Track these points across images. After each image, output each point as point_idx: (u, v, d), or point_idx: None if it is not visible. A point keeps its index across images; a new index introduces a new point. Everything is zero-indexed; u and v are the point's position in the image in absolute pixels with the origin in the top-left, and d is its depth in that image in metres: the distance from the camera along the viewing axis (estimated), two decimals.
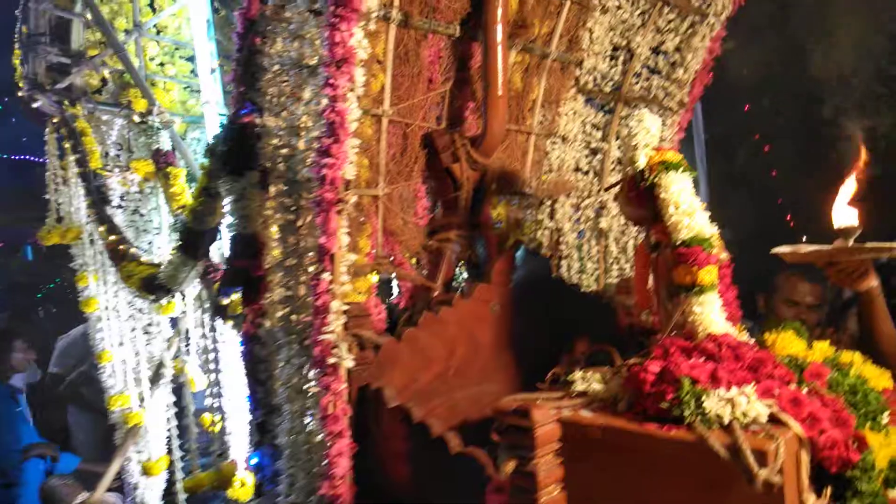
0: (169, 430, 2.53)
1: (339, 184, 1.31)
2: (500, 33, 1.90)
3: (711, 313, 1.45)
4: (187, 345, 2.70)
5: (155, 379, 2.46)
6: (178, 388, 2.80)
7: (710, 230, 1.46)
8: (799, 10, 6.90)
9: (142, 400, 2.45)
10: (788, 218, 7.88)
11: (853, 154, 1.75)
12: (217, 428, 2.42)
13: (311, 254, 1.43)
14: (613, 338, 1.74)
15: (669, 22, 2.25)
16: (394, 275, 2.05)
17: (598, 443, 1.36)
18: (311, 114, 1.43)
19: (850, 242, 1.63)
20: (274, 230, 1.54)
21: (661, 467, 1.31)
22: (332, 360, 1.31)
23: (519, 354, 1.87)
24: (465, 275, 2.16)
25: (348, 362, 1.34)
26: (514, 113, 2.29)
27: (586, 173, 2.48)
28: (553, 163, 2.47)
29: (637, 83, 2.35)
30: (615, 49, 2.38)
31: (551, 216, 2.46)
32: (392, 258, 2.02)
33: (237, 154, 1.57)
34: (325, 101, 1.29)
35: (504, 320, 1.85)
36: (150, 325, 2.45)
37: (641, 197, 1.56)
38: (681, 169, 1.50)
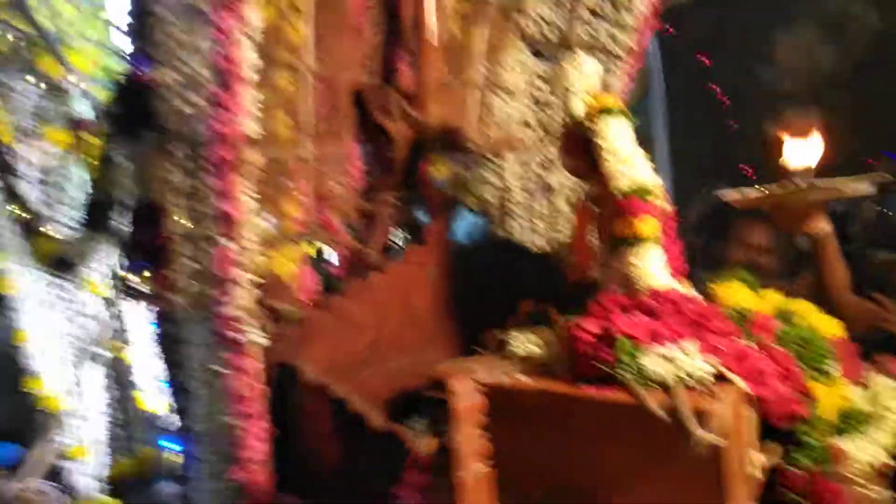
0: (103, 413, 2.41)
1: (238, 141, 1.18)
2: None
3: (653, 267, 1.36)
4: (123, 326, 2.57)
5: (80, 361, 2.32)
6: (120, 371, 2.67)
7: (651, 180, 1.36)
8: None
9: (71, 383, 2.32)
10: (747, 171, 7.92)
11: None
12: (155, 409, 2.31)
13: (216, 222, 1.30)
14: (562, 297, 1.64)
15: None
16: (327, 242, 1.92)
17: (533, 409, 1.28)
18: (208, 65, 1.28)
19: (801, 183, 1.55)
20: (178, 197, 1.40)
21: (600, 433, 1.23)
22: (238, 337, 1.20)
23: (460, 319, 1.77)
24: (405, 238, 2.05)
25: (258, 338, 1.22)
26: (453, 65, 2.15)
27: (534, 128, 2.35)
28: (498, 117, 2.34)
29: (583, 30, 2.22)
30: None
31: (498, 174, 2.34)
32: (324, 224, 1.89)
33: (133, 114, 1.42)
34: (215, 48, 1.15)
35: (443, 284, 1.74)
36: (72, 303, 2.30)
37: (579, 146, 1.45)
38: (619, 115, 1.39)
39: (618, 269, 1.41)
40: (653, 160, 1.41)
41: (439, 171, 2.20)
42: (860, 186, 1.53)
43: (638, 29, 2.15)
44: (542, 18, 2.26)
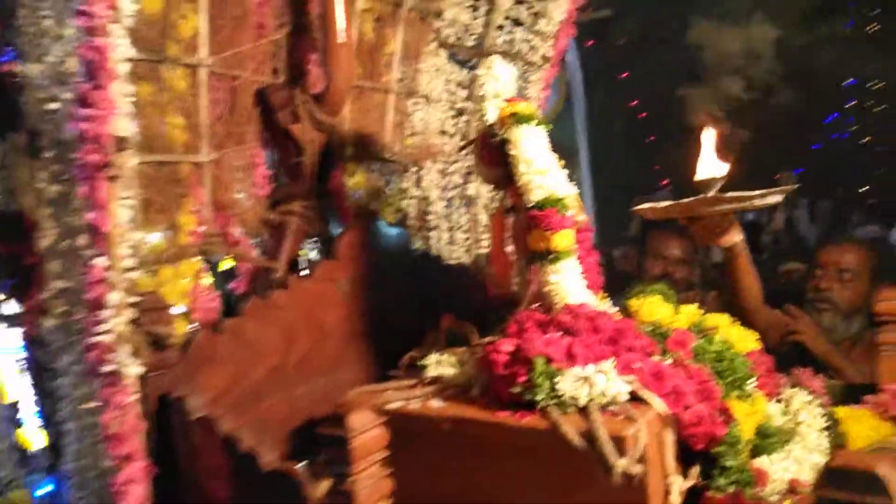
0: None
1: (107, 142, 1.03)
2: None
3: (569, 282, 1.30)
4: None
5: None
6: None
7: (567, 190, 1.31)
8: None
9: None
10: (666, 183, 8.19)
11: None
12: (30, 445, 2.08)
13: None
14: (483, 313, 1.56)
15: None
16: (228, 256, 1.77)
17: (444, 436, 1.19)
18: (77, 57, 1.13)
19: (712, 194, 1.54)
20: (46, 206, 1.23)
21: (516, 459, 1.15)
22: (111, 367, 1.05)
23: (375, 338, 1.67)
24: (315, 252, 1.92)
25: (134, 368, 1.07)
26: (367, 68, 2.05)
27: (452, 136, 2.28)
28: (416, 125, 2.26)
29: (500, 36, 2.17)
30: None
31: (417, 184, 2.25)
32: (225, 236, 1.74)
33: None
34: (81, 37, 1.00)
35: (356, 300, 1.63)
36: None
37: (493, 154, 1.38)
38: (534, 122, 1.33)
39: (535, 284, 1.34)
40: (573, 171, 1.36)
41: (355, 181, 2.09)
42: (768, 198, 1.53)
43: (554, 36, 2.12)
44: (459, 23, 2.20)
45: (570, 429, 1.07)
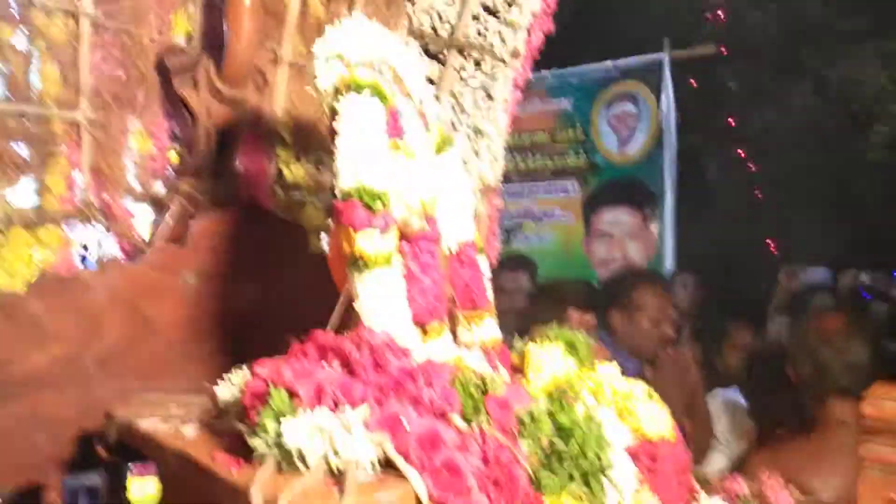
0: None
1: None
2: None
3: (378, 299, 0.99)
4: None
5: None
6: None
7: (386, 183, 1.00)
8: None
9: None
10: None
11: None
12: None
13: None
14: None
15: None
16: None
17: (176, 469, 0.92)
18: None
19: None
20: None
21: None
22: None
23: (224, 343, 1.42)
24: None
25: None
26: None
27: None
28: None
29: (474, 27, 1.89)
30: None
31: None
32: (106, 207, 1.57)
33: None
34: None
35: (204, 297, 1.40)
36: None
37: (333, 132, 1.11)
38: (369, 93, 1.04)
39: (346, 296, 1.05)
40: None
41: (291, 172, 1.87)
42: None
43: (527, 29, 1.81)
44: (434, 10, 1.94)
45: (258, 495, 0.76)
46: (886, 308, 4.52)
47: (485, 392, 0.94)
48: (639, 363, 2.30)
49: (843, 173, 6.43)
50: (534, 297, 2.67)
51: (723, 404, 2.27)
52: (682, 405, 2.05)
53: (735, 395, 2.34)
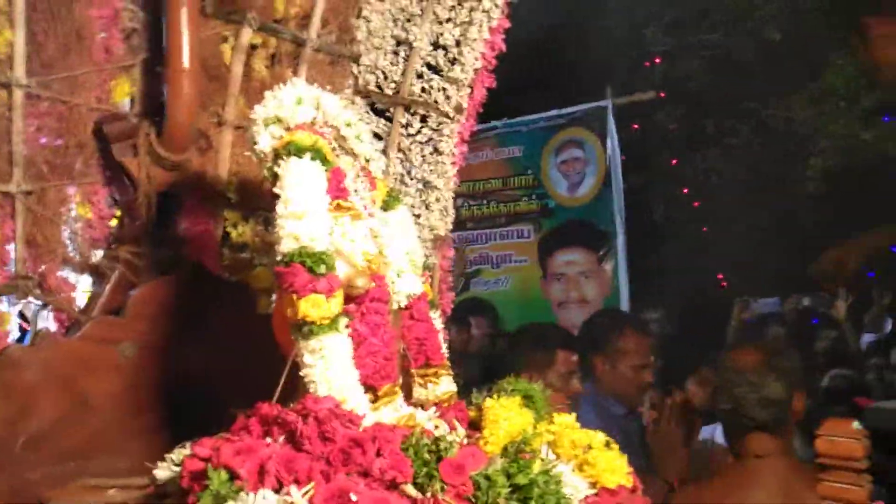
0: None
1: None
2: None
3: (326, 365, 0.97)
4: None
5: None
6: None
7: (327, 242, 0.99)
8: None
9: None
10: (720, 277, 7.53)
11: None
12: None
13: None
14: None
15: (450, 9, 1.85)
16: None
17: None
18: None
19: None
20: None
21: None
22: None
23: (166, 417, 1.36)
24: None
25: None
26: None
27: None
28: None
29: (418, 84, 1.92)
30: (398, 44, 1.96)
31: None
32: (43, 279, 1.51)
33: None
34: None
35: (142, 369, 1.34)
36: None
37: (275, 196, 1.09)
38: (310, 155, 1.04)
39: (292, 362, 1.02)
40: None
41: (239, 232, 1.84)
42: None
43: (470, 85, 1.86)
44: (379, 69, 1.97)
45: None
46: (835, 334, 4.64)
47: (438, 456, 0.92)
48: (626, 408, 2.30)
49: (783, 205, 6.71)
50: (513, 339, 2.62)
51: None
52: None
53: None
